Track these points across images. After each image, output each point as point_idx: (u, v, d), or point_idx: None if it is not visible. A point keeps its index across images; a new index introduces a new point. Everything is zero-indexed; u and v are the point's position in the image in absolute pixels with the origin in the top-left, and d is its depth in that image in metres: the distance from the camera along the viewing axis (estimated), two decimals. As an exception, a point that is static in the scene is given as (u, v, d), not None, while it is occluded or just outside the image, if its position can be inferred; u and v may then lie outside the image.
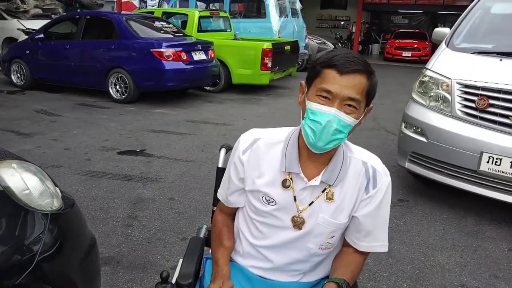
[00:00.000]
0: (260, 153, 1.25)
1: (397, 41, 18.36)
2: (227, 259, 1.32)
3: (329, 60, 1.11)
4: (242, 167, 1.27)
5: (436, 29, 4.27)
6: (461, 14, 4.02)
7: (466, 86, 3.24)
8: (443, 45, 3.76)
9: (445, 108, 3.31)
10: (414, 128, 3.47)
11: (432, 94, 3.43)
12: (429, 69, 3.57)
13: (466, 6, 4.08)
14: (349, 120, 1.12)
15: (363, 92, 1.12)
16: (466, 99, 3.23)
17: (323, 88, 1.11)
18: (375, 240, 1.27)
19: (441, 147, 3.24)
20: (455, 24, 3.95)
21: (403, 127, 3.61)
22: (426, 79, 3.54)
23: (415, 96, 3.62)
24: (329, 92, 1.10)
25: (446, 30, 4.11)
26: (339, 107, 1.10)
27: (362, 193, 1.23)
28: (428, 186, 3.89)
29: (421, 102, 3.50)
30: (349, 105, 1.11)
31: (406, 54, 17.73)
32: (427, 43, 18.23)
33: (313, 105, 1.12)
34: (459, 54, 3.58)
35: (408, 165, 3.54)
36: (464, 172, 3.16)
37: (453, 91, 3.27)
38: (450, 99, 3.28)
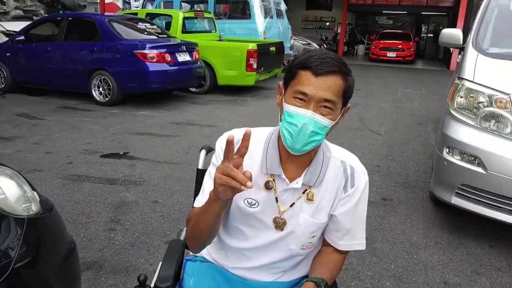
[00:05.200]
0: None
1: (382, 41, 18.53)
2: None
3: (304, 62, 1.11)
4: None
5: (445, 31, 3.71)
6: (444, 15, 3.76)
7: None
8: (471, 50, 3.20)
9: (502, 130, 2.80)
10: (465, 155, 2.87)
11: (483, 112, 2.87)
12: (470, 81, 2.98)
13: (450, 7, 3.94)
14: (325, 122, 1.12)
15: (339, 93, 1.12)
16: None
17: (298, 90, 1.11)
18: (353, 238, 1.28)
19: (505, 180, 2.69)
20: (475, 26, 3.40)
21: (445, 153, 2.97)
22: (467, 93, 2.98)
23: (456, 114, 3.01)
24: (305, 94, 1.10)
25: (456, 32, 3.60)
26: (315, 109, 1.10)
27: (341, 192, 1.24)
28: (410, 190, 3.89)
29: (468, 122, 2.92)
30: (325, 107, 1.11)
31: (391, 54, 17.91)
32: (411, 43, 18.50)
33: (289, 107, 1.12)
34: (499, 62, 3.09)
35: (455, 200, 2.94)
36: None
37: None
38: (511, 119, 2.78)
